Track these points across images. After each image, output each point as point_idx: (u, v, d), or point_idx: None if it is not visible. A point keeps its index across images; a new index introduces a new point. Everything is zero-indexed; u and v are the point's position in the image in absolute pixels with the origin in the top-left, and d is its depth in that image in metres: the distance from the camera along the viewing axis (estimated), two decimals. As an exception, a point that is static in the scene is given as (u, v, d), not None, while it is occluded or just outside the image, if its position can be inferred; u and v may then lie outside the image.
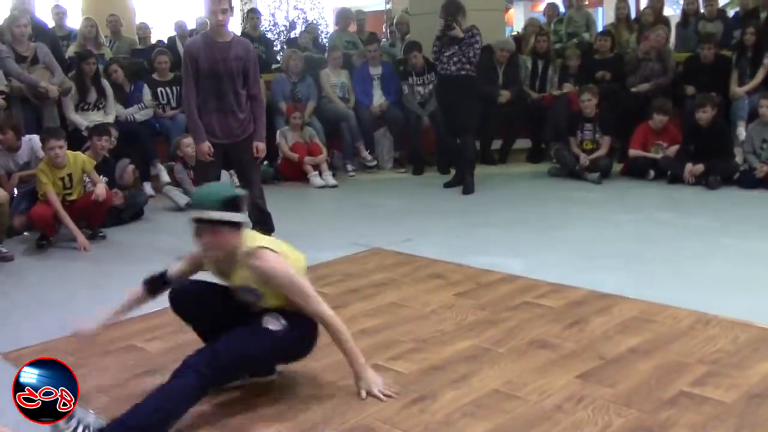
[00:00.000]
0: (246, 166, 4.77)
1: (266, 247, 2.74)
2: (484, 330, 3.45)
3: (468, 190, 6.72)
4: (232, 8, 4.66)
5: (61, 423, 2.41)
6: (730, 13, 9.68)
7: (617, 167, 7.38)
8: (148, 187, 6.97)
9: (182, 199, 6.44)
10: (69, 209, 5.34)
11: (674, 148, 6.95)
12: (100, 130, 6.00)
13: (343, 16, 9.63)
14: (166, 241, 5.35)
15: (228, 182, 3.93)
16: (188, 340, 3.42)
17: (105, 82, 7.14)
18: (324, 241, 5.20)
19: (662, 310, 3.60)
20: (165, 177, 7.14)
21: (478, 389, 2.84)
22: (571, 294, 3.88)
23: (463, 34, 6.59)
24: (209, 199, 2.69)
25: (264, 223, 4.81)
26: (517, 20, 18.44)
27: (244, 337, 2.71)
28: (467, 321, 3.57)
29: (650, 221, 5.54)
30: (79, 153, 5.56)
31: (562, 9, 10.17)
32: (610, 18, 11.08)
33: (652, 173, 6.98)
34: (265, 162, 6.79)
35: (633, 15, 9.79)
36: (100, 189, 5.43)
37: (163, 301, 3.89)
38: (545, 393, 2.79)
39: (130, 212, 6.02)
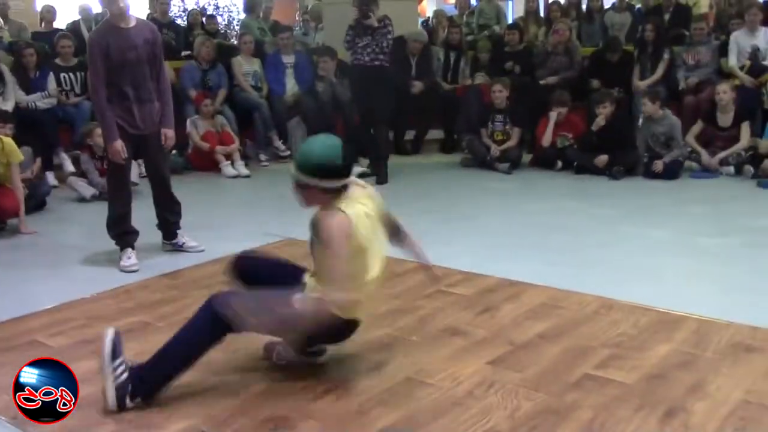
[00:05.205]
0: (158, 155, 4.63)
1: None
2: (397, 318, 3.48)
3: (381, 180, 6.75)
4: None
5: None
6: (637, 5, 10.03)
7: (527, 158, 7.56)
8: (51, 177, 6.69)
9: (87, 191, 6.22)
10: None
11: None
12: (3, 116, 5.74)
13: (253, 2, 9.48)
14: (69, 233, 5.17)
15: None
16: (94, 336, 3.32)
17: (4, 68, 6.82)
18: (236, 231, 5.13)
19: (569, 296, 3.71)
20: (69, 166, 6.89)
21: (392, 377, 2.86)
22: (482, 282, 3.95)
23: (378, 24, 6.61)
24: None
25: (173, 213, 4.69)
26: (429, 11, 18.58)
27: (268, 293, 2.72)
28: (381, 310, 3.58)
29: (558, 210, 5.70)
30: (10, 141, 5.30)
31: (473, 1, 10.32)
32: (519, 11, 11.30)
33: (559, 164, 7.18)
34: (174, 151, 6.58)
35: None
36: (20, 194, 5.26)
37: (66, 294, 3.79)
38: (457, 380, 2.84)
39: (32, 203, 5.77)
